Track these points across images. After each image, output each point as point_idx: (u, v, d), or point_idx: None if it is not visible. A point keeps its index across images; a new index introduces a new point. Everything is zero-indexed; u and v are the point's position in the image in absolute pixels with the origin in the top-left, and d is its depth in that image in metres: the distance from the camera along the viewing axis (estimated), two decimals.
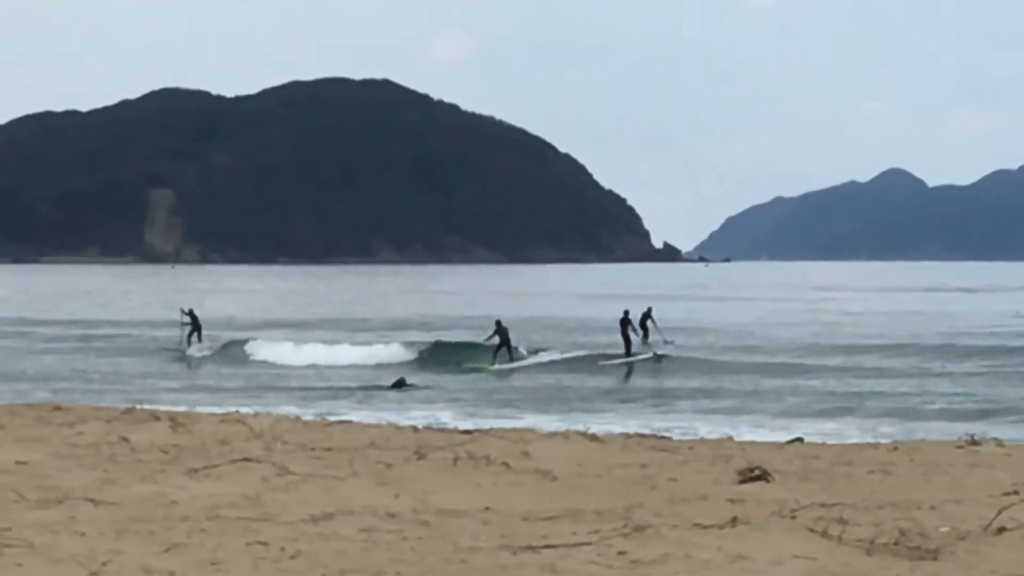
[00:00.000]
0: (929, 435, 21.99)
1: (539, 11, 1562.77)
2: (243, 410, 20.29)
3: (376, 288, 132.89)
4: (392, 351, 47.53)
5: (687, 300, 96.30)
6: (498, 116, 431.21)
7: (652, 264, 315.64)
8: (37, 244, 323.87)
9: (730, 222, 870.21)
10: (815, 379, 38.80)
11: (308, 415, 23.31)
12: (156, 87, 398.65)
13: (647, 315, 51.02)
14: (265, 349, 48.64)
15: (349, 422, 19.18)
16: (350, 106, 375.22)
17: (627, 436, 17.05)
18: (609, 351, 46.65)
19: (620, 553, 8.64)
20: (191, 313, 50.12)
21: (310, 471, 12.40)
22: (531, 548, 8.82)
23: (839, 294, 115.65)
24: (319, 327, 63.46)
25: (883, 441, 18.92)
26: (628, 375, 42.25)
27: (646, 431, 19.79)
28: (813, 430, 25.54)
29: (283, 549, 8.74)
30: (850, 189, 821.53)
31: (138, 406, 19.38)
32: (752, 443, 17.27)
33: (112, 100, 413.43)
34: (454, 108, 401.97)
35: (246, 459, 13.02)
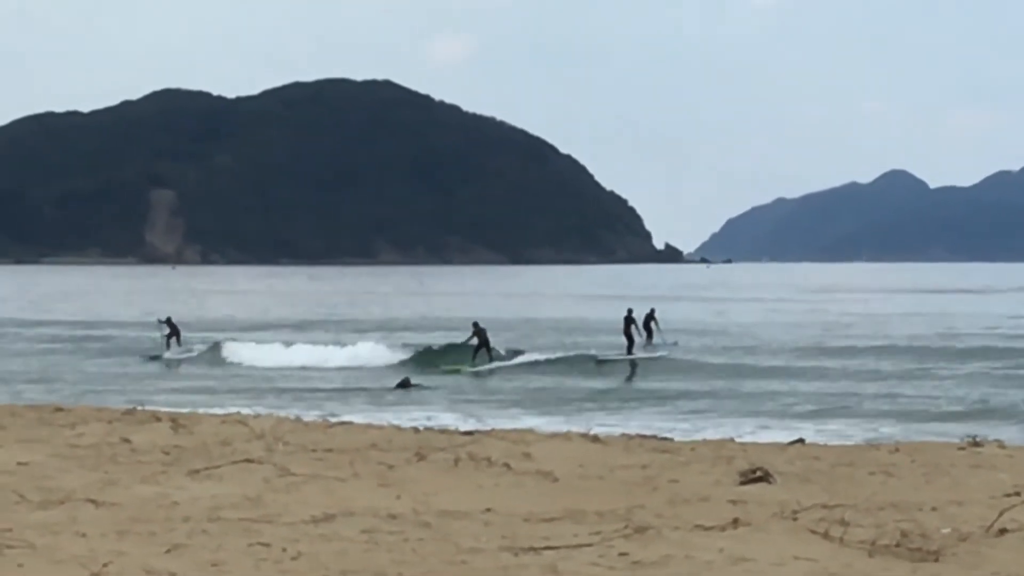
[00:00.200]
0: (931, 436, 21.99)
1: (540, 12, 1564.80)
2: (244, 411, 20.30)
3: (376, 289, 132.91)
4: (379, 352, 47.30)
5: (689, 301, 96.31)
6: (499, 117, 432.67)
7: (653, 265, 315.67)
8: (38, 245, 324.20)
9: (731, 223, 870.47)
10: (816, 380, 38.80)
11: (309, 416, 23.30)
12: (157, 88, 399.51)
13: (651, 316, 51.09)
14: (244, 351, 48.55)
15: (350, 423, 19.17)
16: (351, 107, 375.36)
17: (628, 437, 17.04)
18: (594, 351, 46.87)
19: (621, 554, 8.63)
20: (168, 321, 50.72)
21: (311, 472, 12.40)
22: (532, 549, 8.82)
23: (840, 295, 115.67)
24: (308, 328, 63.66)
25: (885, 442, 18.92)
26: (629, 376, 42.23)
27: (647, 432, 19.76)
28: (814, 431, 25.54)
29: (284, 550, 8.73)
30: (851, 190, 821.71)
31: (139, 407, 19.36)
32: (754, 444, 17.27)
33: (113, 101, 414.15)
34: (455, 109, 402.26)
35: (247, 460, 13.02)
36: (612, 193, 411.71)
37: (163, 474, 12.41)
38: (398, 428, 17.98)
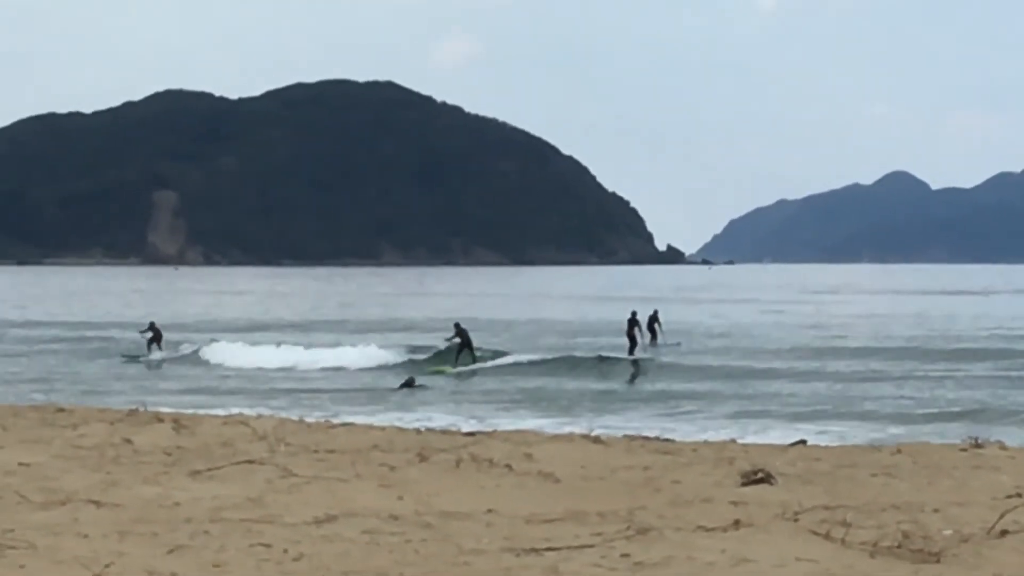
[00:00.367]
0: (932, 438, 21.98)
1: (542, 13, 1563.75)
2: (246, 412, 20.31)
3: (377, 290, 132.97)
4: (371, 353, 47.15)
5: (690, 303, 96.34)
6: (501, 118, 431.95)
7: (655, 266, 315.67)
8: (40, 246, 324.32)
9: (733, 224, 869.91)
10: (818, 381, 38.82)
11: (311, 417, 23.31)
12: (160, 89, 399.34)
13: (654, 317, 51.47)
14: (223, 352, 48.56)
15: (352, 424, 19.17)
16: (353, 108, 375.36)
17: (630, 438, 17.02)
18: (579, 352, 46.99)
19: (623, 555, 8.63)
20: (151, 326, 50.79)
21: (313, 473, 12.40)
22: (534, 550, 8.82)
23: (842, 297, 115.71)
24: (307, 329, 63.77)
25: (886, 444, 18.91)
26: (631, 377, 42.26)
27: (649, 433, 19.74)
28: (816, 432, 25.55)
29: (286, 551, 8.74)
30: (854, 192, 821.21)
31: (141, 408, 19.37)
32: (755, 445, 17.25)
33: (116, 102, 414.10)
34: (457, 110, 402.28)
35: (249, 461, 13.02)
36: (614, 194, 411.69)
37: (165, 475, 12.41)
38: (400, 429, 17.99)
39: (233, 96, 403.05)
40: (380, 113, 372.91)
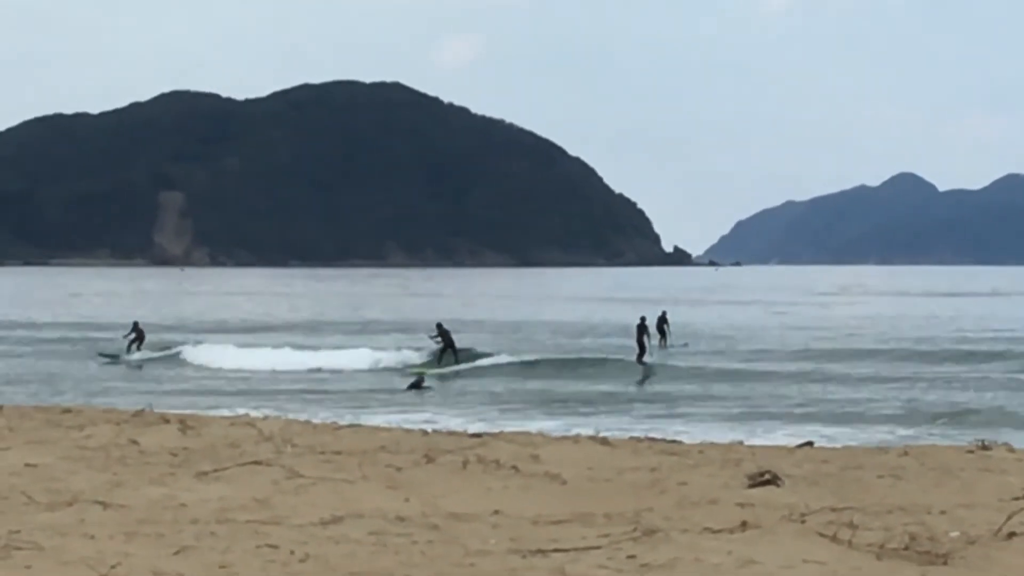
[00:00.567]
0: (939, 439, 21.94)
1: (549, 14, 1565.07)
2: (252, 413, 20.32)
3: (379, 291, 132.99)
4: (365, 355, 47.00)
5: (697, 304, 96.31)
6: (508, 119, 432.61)
7: (662, 268, 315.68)
8: (46, 246, 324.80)
9: (740, 226, 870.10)
10: (825, 383, 38.78)
11: (318, 419, 23.32)
12: (166, 89, 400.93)
13: (662, 319, 51.98)
14: (207, 353, 48.45)
15: (359, 425, 19.17)
16: (360, 109, 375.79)
17: (637, 440, 17.01)
18: (584, 354, 47.02)
19: (630, 557, 8.62)
20: (135, 327, 50.83)
21: (320, 474, 12.39)
22: (540, 552, 8.81)
23: (849, 298, 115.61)
24: (304, 330, 63.76)
25: (893, 445, 18.89)
26: (638, 379, 42.23)
27: (656, 435, 19.73)
28: (823, 434, 25.51)
29: (292, 552, 8.73)
30: (860, 193, 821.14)
31: (148, 409, 19.38)
32: (762, 447, 17.23)
33: (122, 102, 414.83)
34: (464, 111, 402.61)
35: (256, 462, 13.01)
36: (621, 196, 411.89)
37: (171, 476, 12.41)
38: (406, 430, 17.98)
39: (240, 97, 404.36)
40: (387, 114, 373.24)
